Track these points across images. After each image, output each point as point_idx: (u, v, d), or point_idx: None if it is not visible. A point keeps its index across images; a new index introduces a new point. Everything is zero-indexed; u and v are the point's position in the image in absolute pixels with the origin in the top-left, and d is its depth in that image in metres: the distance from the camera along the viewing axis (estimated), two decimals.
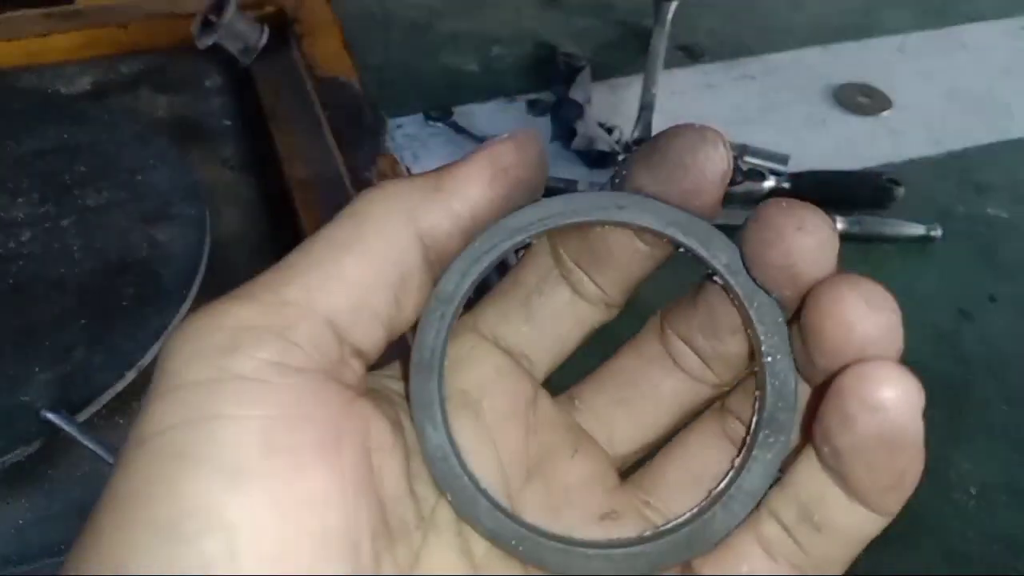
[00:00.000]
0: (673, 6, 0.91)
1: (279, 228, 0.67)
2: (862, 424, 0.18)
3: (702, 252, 0.22)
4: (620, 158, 0.77)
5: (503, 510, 0.21)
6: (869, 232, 0.74)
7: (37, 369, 0.51)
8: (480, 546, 0.21)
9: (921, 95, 0.90)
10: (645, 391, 0.23)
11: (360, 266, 0.19)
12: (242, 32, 0.78)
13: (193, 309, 0.58)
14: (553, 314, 0.23)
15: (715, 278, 0.22)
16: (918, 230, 0.74)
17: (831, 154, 0.82)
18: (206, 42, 0.77)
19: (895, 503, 0.20)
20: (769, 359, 0.21)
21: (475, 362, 0.22)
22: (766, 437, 0.21)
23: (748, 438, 0.21)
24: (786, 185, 0.76)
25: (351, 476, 0.18)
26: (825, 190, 0.76)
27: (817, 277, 0.20)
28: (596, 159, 0.77)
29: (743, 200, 0.76)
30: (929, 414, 0.64)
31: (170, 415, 0.17)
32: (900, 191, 0.76)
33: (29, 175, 0.64)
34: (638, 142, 0.79)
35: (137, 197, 0.64)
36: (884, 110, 0.88)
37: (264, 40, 0.80)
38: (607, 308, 0.23)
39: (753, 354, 0.22)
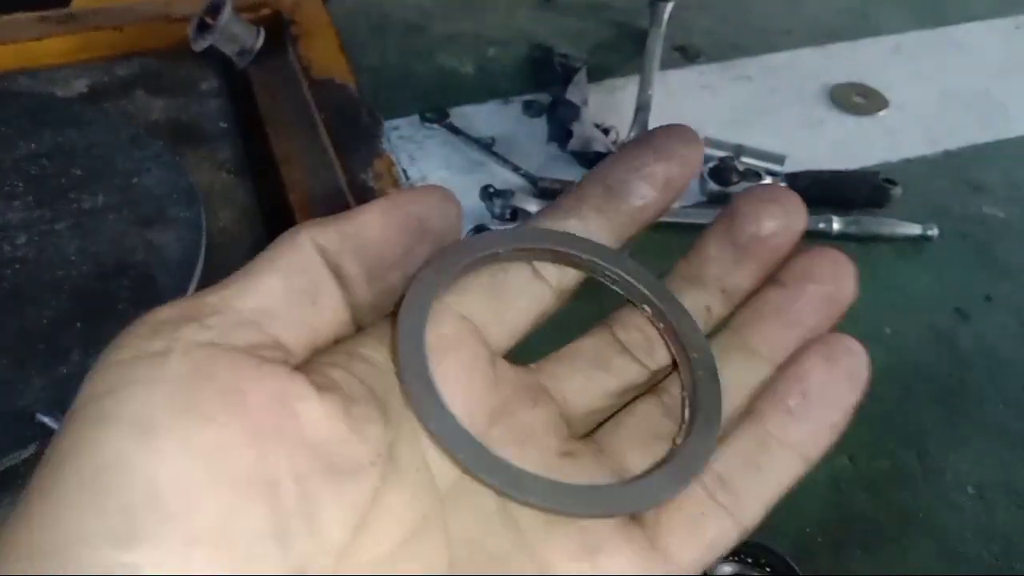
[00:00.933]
0: (669, 7, 0.91)
1: (275, 231, 0.67)
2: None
3: (630, 279, 0.25)
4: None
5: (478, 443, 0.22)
6: (865, 232, 0.74)
7: (33, 373, 0.51)
8: (445, 481, 0.22)
9: (917, 95, 0.91)
10: (598, 365, 0.25)
11: (271, 276, 0.21)
12: (238, 35, 0.78)
13: None
14: (513, 291, 0.25)
15: (643, 307, 0.25)
16: (914, 230, 0.74)
17: (827, 154, 0.82)
18: (202, 45, 0.77)
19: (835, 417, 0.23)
20: (695, 355, 0.24)
21: (436, 324, 0.23)
22: (703, 418, 0.23)
23: (685, 416, 0.24)
24: (782, 185, 0.76)
25: (261, 423, 0.19)
26: (822, 190, 0.76)
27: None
28: (592, 160, 0.76)
29: None
30: (926, 414, 0.64)
31: (93, 389, 0.19)
32: (896, 191, 0.76)
33: (24, 179, 0.64)
34: None
35: (133, 200, 0.63)
36: (880, 110, 0.88)
37: (260, 42, 0.80)
38: (560, 295, 0.25)
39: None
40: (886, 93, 0.90)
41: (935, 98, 0.91)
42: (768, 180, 0.76)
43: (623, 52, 0.92)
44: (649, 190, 0.26)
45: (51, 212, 0.62)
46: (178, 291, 0.58)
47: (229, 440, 0.18)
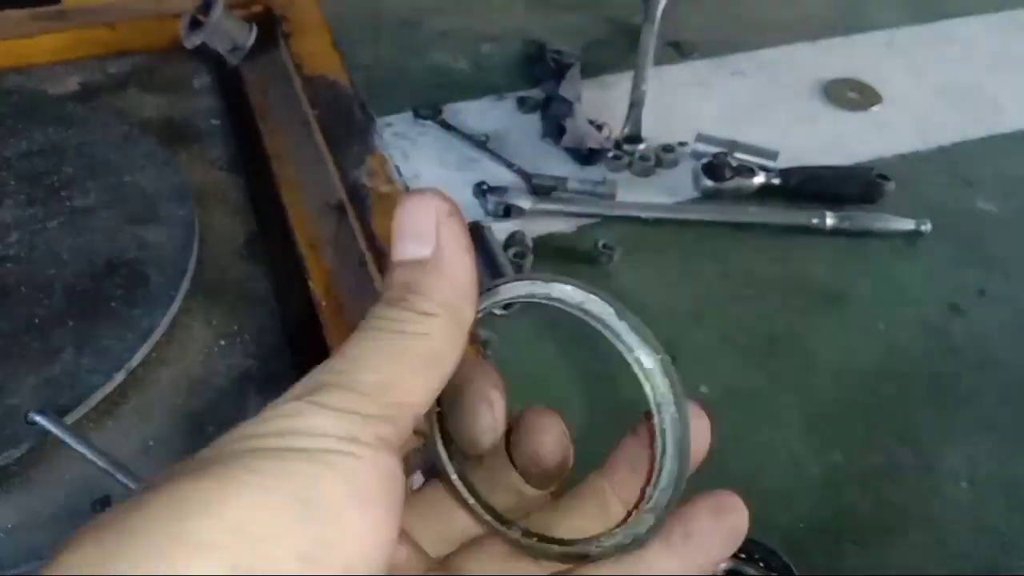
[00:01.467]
0: (662, 3, 0.91)
1: (268, 228, 0.67)
2: None
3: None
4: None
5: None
6: (859, 227, 0.74)
7: (25, 371, 0.51)
8: None
9: (910, 90, 0.91)
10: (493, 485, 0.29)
11: (436, 382, 0.24)
12: (230, 31, 0.78)
13: (182, 310, 0.58)
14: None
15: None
16: (907, 225, 0.74)
17: (821, 149, 0.82)
18: (194, 42, 0.77)
19: None
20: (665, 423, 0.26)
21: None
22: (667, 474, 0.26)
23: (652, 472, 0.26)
24: (776, 181, 0.77)
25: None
26: (815, 185, 0.76)
27: None
28: (586, 156, 0.76)
29: (734, 196, 0.76)
30: (920, 408, 0.64)
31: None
32: (889, 186, 0.77)
33: (16, 177, 0.63)
34: (628, 139, 0.79)
35: (125, 198, 0.63)
36: (873, 105, 0.88)
37: (252, 39, 0.79)
38: None
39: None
40: (879, 88, 0.90)
41: (928, 93, 0.91)
42: (761, 176, 0.76)
43: (617, 48, 0.91)
44: None
45: (43, 210, 0.61)
46: (171, 288, 0.57)
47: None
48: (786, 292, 0.70)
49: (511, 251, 0.65)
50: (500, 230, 0.68)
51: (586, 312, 0.26)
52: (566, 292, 0.26)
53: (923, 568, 0.54)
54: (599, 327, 0.26)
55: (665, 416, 0.26)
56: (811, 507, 0.56)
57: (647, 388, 0.26)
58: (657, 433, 0.26)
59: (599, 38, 0.94)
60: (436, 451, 0.28)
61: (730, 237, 0.73)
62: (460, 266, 0.24)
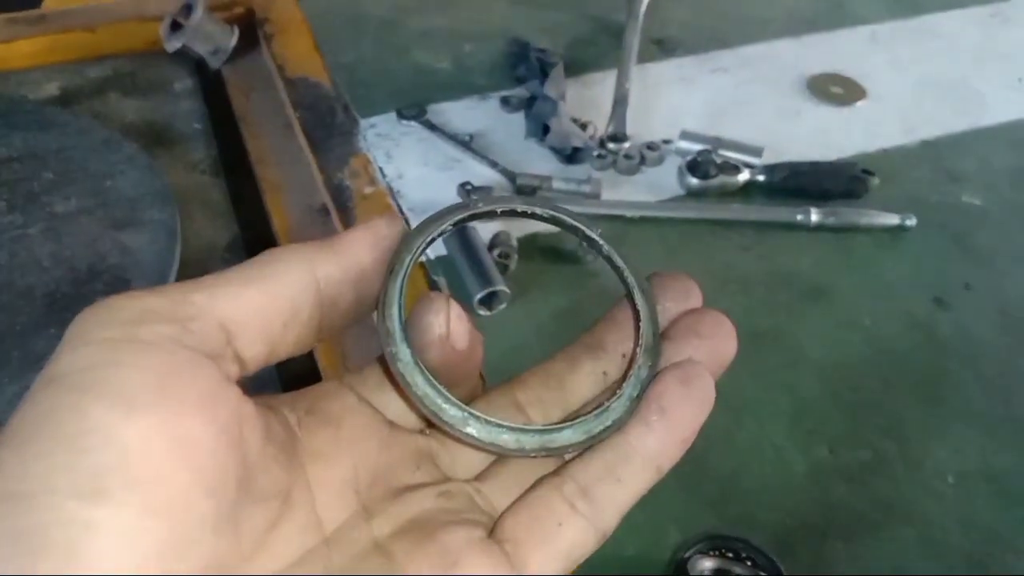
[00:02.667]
0: (645, 0, 0.91)
1: (251, 231, 0.67)
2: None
3: (590, 233, 0.29)
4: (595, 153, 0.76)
5: (445, 394, 0.26)
6: (844, 223, 0.74)
7: (5, 379, 0.51)
8: (330, 526, 0.25)
9: (894, 84, 0.91)
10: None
11: (259, 293, 0.24)
12: (211, 34, 0.78)
13: None
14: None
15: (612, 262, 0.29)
16: (892, 220, 0.75)
17: (806, 145, 0.82)
18: (175, 45, 0.76)
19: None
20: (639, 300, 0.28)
21: (336, 397, 0.27)
22: (644, 361, 0.27)
23: (631, 359, 0.28)
24: (760, 177, 0.77)
25: (223, 432, 0.21)
26: (799, 181, 0.76)
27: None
28: (570, 155, 0.76)
29: (718, 193, 0.76)
30: (906, 403, 0.64)
31: (78, 360, 0.20)
32: (874, 181, 0.77)
33: None
34: (612, 137, 0.78)
35: (106, 203, 0.63)
36: (858, 100, 0.89)
37: (234, 42, 0.79)
38: None
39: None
40: (863, 83, 0.90)
41: (912, 87, 0.91)
42: (746, 173, 0.76)
43: (601, 46, 0.91)
44: None
45: (23, 217, 0.61)
46: None
47: (198, 435, 0.21)
48: (771, 288, 0.70)
49: (496, 251, 0.65)
50: (485, 230, 0.67)
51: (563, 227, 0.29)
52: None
53: (910, 562, 0.54)
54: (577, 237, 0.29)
55: (637, 297, 0.28)
56: (797, 503, 0.56)
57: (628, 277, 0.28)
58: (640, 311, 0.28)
59: (583, 36, 0.94)
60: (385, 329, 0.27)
61: (715, 234, 0.73)
62: (349, 235, 0.26)
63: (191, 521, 0.20)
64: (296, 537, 0.23)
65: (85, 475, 0.19)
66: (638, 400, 0.26)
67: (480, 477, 0.28)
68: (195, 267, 0.62)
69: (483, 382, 0.29)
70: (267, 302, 0.24)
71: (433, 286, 0.63)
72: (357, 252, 0.26)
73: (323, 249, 0.25)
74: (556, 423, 0.27)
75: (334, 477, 0.25)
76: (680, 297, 0.29)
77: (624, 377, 0.27)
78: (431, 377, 0.26)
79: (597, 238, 0.29)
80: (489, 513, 0.26)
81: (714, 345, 0.28)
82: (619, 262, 0.29)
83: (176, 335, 0.21)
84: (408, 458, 0.27)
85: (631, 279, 0.28)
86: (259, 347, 0.24)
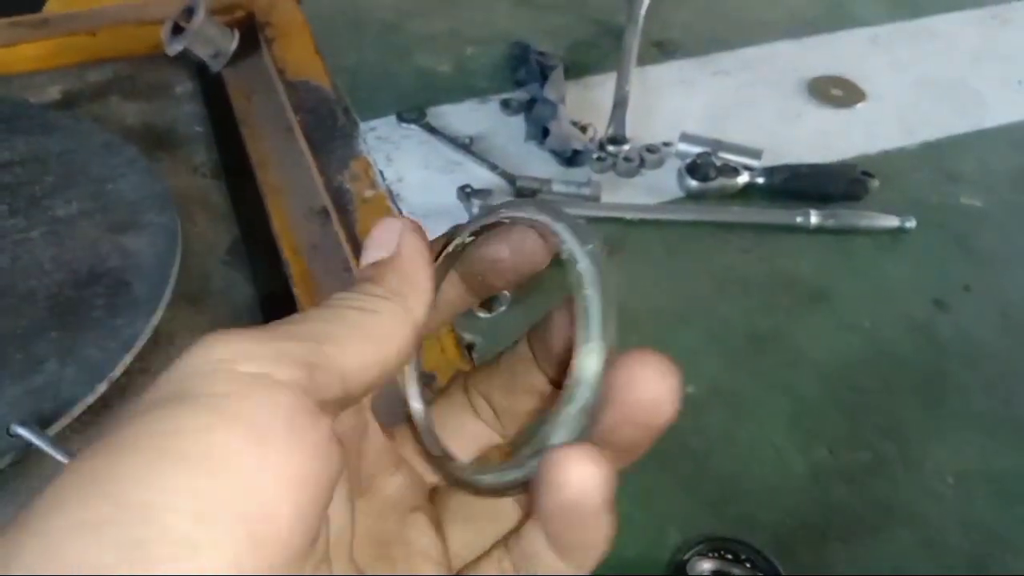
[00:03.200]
0: (646, 2, 0.91)
1: (252, 234, 0.67)
2: (550, 496, 0.23)
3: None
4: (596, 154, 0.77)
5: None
6: (843, 225, 0.74)
7: (7, 383, 0.51)
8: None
9: (894, 86, 0.91)
10: (451, 430, 0.30)
11: (375, 349, 0.24)
12: (212, 37, 0.78)
13: (165, 318, 0.58)
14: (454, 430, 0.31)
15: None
16: (892, 222, 0.75)
17: (806, 147, 0.82)
18: (176, 48, 0.77)
19: (587, 561, 0.25)
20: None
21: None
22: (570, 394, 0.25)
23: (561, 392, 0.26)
24: (760, 180, 0.77)
25: (329, 480, 0.22)
26: (799, 183, 0.76)
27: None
28: (570, 158, 0.76)
29: (718, 195, 0.76)
30: (905, 404, 0.64)
31: (214, 386, 0.21)
32: (874, 183, 0.77)
33: None
34: (612, 140, 0.79)
35: (107, 206, 0.63)
36: (858, 102, 0.89)
37: (235, 45, 0.79)
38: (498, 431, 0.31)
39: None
40: (863, 85, 0.90)
41: (913, 89, 0.91)
42: (745, 175, 0.76)
43: (601, 49, 0.92)
44: None
45: (25, 220, 0.61)
46: (153, 296, 0.57)
47: (310, 478, 0.21)
48: (771, 291, 0.70)
49: None
50: None
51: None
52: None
53: (909, 563, 0.54)
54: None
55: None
56: (797, 504, 0.56)
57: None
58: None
59: (584, 39, 0.94)
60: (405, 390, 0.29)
61: (715, 237, 0.73)
62: (415, 266, 0.26)
63: (285, 559, 0.20)
64: None
65: (206, 499, 0.19)
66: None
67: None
68: (196, 270, 0.62)
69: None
70: (381, 359, 0.24)
71: (469, 349, 0.63)
72: (427, 285, 0.26)
73: (415, 290, 0.26)
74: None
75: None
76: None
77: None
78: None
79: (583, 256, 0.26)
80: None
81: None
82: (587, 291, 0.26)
83: (305, 382, 0.22)
84: (384, 458, 0.29)
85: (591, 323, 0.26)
86: (360, 393, 0.24)
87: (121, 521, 0.18)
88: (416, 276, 0.26)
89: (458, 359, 0.58)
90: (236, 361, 0.21)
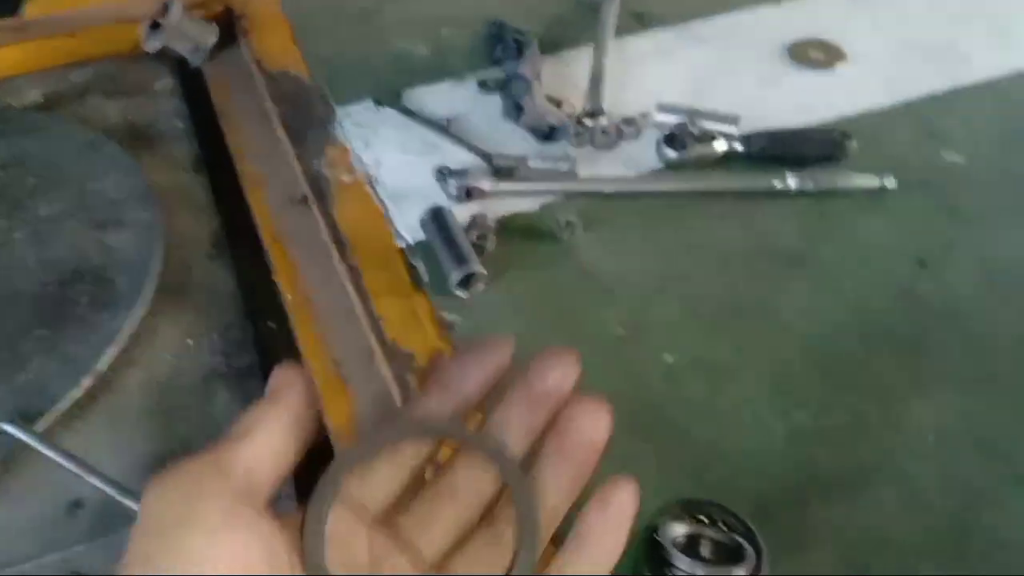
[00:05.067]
0: None
1: (234, 225, 0.68)
2: None
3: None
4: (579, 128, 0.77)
5: None
6: (822, 187, 0.74)
7: None
8: None
9: (876, 46, 0.90)
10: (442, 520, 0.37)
11: (267, 436, 0.34)
12: (190, 32, 0.79)
13: (149, 312, 0.59)
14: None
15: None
16: (872, 181, 0.75)
17: (787, 112, 0.82)
18: (155, 45, 0.78)
19: None
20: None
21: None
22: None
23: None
24: (739, 147, 0.77)
25: (265, 549, 0.31)
26: (778, 148, 0.76)
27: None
28: (547, 134, 0.77)
29: (696, 164, 0.76)
30: (887, 365, 0.64)
31: (168, 509, 0.31)
32: (852, 144, 0.77)
33: None
34: (589, 113, 0.79)
35: (89, 205, 0.64)
36: (838, 64, 0.88)
37: (214, 39, 0.80)
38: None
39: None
40: (844, 47, 0.90)
41: (894, 49, 0.91)
42: (723, 142, 0.76)
43: (580, 24, 0.91)
44: None
45: (8, 222, 0.63)
46: (136, 292, 0.58)
47: (247, 550, 0.30)
48: (751, 257, 0.70)
49: (473, 234, 0.66)
50: (462, 213, 0.68)
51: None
52: None
53: (890, 522, 0.55)
54: None
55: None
56: (777, 469, 0.57)
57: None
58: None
59: (563, 15, 0.94)
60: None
61: (693, 206, 0.74)
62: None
63: None
64: None
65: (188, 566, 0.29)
66: None
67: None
68: (179, 263, 0.63)
69: None
70: (279, 440, 0.34)
71: (412, 272, 0.64)
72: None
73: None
74: None
75: None
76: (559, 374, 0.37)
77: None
78: None
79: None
80: None
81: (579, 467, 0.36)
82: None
83: (224, 483, 0.31)
84: (391, 544, 0.35)
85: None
86: (274, 474, 0.33)
87: None
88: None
89: (436, 339, 0.59)
90: (175, 488, 0.31)
